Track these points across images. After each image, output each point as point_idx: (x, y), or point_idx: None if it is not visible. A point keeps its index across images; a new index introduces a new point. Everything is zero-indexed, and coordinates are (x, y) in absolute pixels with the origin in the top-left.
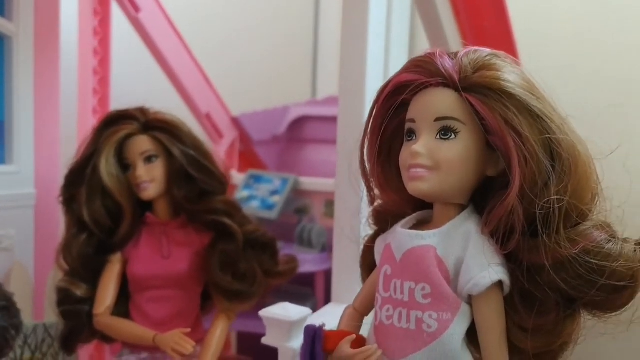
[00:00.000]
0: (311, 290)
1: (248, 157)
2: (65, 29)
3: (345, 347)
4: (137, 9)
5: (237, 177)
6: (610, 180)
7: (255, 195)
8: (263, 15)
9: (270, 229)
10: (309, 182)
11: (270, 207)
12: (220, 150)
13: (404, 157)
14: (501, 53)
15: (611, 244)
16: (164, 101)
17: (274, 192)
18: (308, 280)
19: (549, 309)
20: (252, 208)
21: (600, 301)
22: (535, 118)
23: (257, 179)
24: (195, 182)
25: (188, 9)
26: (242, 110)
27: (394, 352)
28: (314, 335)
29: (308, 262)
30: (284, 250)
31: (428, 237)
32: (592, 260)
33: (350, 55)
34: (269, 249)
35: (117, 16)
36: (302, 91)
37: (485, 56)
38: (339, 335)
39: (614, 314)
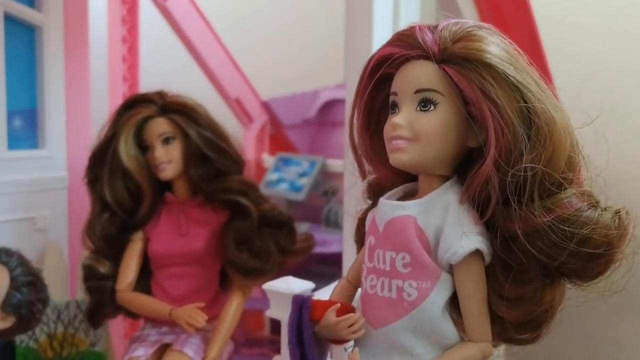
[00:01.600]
0: (338, 270)
1: (279, 141)
2: (94, 18)
3: (330, 315)
4: None
5: (268, 160)
6: (592, 150)
7: (284, 178)
8: (293, 1)
9: (298, 211)
10: (336, 164)
11: (298, 189)
12: (250, 134)
13: (387, 129)
14: (485, 25)
15: (589, 212)
16: (193, 87)
17: (302, 175)
18: (335, 260)
19: (529, 279)
20: (281, 190)
21: (577, 269)
22: (512, 88)
23: (286, 162)
24: (212, 162)
25: None
26: (273, 94)
27: (377, 321)
28: (301, 305)
29: (335, 243)
30: (312, 231)
31: (408, 208)
32: (567, 228)
33: (355, 39)
34: (285, 228)
35: (145, 4)
36: (334, 75)
37: (467, 28)
38: (326, 304)
39: (592, 282)
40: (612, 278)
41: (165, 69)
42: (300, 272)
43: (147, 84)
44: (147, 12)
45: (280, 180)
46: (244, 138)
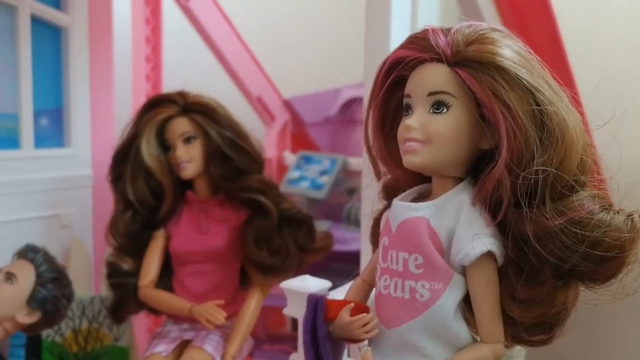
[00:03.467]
0: (358, 268)
1: (301, 139)
2: (118, 19)
3: (345, 315)
4: None
5: (289, 158)
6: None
7: (305, 176)
8: None
9: (319, 209)
10: (357, 163)
11: (319, 187)
12: (272, 132)
13: (400, 131)
14: (499, 27)
15: (602, 214)
16: (215, 85)
17: (323, 173)
18: (356, 258)
19: (541, 281)
20: (302, 188)
21: (589, 272)
22: (524, 90)
23: (308, 160)
24: (232, 162)
25: None
26: (295, 92)
27: (390, 320)
28: (316, 304)
29: (355, 241)
30: (333, 229)
31: (421, 209)
32: (579, 231)
33: (373, 39)
34: (305, 226)
35: (168, 5)
36: (356, 73)
37: (480, 30)
38: (340, 304)
39: (604, 284)
40: (624, 280)
41: (188, 68)
42: (321, 270)
43: (170, 83)
44: (170, 13)
45: (302, 178)
46: (266, 136)
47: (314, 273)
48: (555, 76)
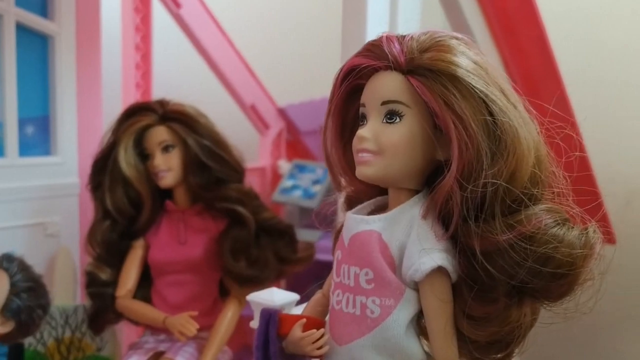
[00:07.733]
0: None
1: (297, 147)
2: (107, 26)
3: (296, 330)
4: (178, 5)
5: (284, 166)
6: None
7: (298, 185)
8: (309, 5)
9: (311, 218)
10: None
11: (311, 196)
12: (266, 141)
13: (354, 142)
14: (458, 35)
15: (554, 229)
16: (208, 93)
17: (316, 182)
18: None
19: (494, 298)
20: (294, 197)
21: (541, 289)
22: (477, 100)
23: (301, 169)
24: (211, 171)
25: (232, 1)
26: (290, 100)
27: (341, 337)
28: (268, 319)
29: None
30: (324, 239)
31: (373, 222)
32: (528, 247)
33: (349, 47)
34: (286, 237)
35: (159, 12)
36: None
37: (436, 37)
38: (294, 319)
39: (557, 303)
40: (580, 299)
41: (180, 76)
42: (313, 280)
43: (160, 91)
44: (161, 20)
45: (295, 187)
46: (260, 145)
47: (306, 282)
48: (522, 94)
